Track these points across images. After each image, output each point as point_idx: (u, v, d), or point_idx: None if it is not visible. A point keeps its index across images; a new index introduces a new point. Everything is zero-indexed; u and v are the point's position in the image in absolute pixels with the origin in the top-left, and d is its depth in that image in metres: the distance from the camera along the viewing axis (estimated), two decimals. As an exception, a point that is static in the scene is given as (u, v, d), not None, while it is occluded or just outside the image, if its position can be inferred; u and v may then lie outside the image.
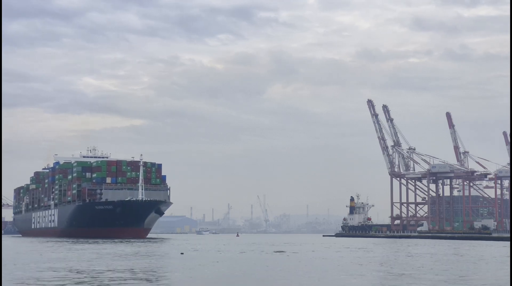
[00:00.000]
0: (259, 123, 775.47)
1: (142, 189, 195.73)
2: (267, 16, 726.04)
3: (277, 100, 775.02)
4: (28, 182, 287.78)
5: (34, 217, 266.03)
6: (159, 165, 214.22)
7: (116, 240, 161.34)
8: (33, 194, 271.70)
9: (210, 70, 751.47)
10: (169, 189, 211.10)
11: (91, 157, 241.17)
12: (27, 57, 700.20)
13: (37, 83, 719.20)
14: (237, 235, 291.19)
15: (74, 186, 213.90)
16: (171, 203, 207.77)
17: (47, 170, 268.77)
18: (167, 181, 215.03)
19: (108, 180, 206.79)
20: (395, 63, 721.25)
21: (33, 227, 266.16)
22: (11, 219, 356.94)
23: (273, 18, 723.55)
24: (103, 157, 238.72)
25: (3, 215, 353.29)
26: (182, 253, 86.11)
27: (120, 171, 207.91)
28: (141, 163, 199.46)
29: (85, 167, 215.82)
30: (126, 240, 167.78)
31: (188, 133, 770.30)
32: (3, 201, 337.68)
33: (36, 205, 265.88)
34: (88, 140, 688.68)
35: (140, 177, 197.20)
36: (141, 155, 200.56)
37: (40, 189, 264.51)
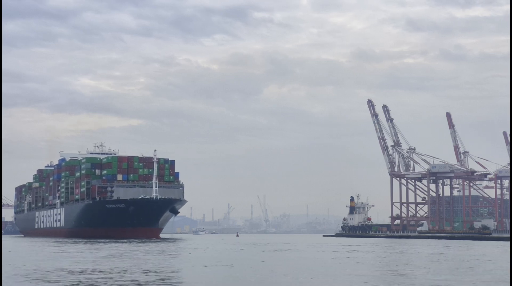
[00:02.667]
0: (257, 123, 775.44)
1: (156, 187, 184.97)
2: (262, 17, 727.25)
3: (274, 101, 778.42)
4: (31, 180, 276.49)
5: (37, 217, 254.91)
6: (172, 162, 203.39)
7: (134, 241, 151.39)
8: (37, 192, 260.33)
9: (206, 71, 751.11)
10: (183, 186, 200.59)
11: (98, 153, 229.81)
12: (23, 57, 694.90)
13: (34, 83, 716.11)
14: (237, 235, 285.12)
15: (82, 183, 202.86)
16: (186, 201, 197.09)
17: (52, 168, 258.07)
18: (180, 178, 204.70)
19: (119, 177, 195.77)
20: (390, 64, 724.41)
21: (36, 226, 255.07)
22: (11, 219, 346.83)
23: (268, 18, 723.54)
24: (111, 154, 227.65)
25: (2, 215, 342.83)
26: (189, 253, 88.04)
27: (132, 167, 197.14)
28: (155, 159, 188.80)
29: (94, 163, 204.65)
30: (143, 240, 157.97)
31: (186, 133, 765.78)
32: (3, 201, 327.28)
33: (40, 204, 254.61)
34: (87, 140, 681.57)
35: (154, 174, 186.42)
36: (155, 150, 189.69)
37: (44, 187, 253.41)
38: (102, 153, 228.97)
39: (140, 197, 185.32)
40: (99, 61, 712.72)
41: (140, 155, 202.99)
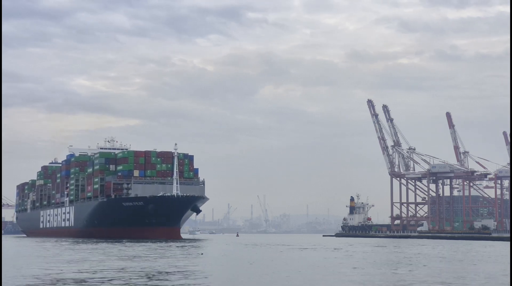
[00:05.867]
0: (255, 123, 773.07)
1: (177, 183, 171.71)
2: (256, 17, 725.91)
3: (270, 101, 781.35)
4: (32, 178, 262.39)
5: (42, 216, 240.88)
6: (191, 157, 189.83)
7: (159, 241, 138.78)
8: (41, 190, 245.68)
9: (202, 71, 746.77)
10: (203, 183, 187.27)
11: (109, 148, 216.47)
12: (19, 57, 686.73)
13: (30, 84, 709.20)
14: (237, 235, 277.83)
15: (95, 180, 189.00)
16: (208, 199, 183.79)
17: (57, 164, 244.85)
18: (199, 175, 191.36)
19: (136, 173, 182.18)
20: (385, 64, 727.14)
21: (41, 226, 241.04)
22: (11, 219, 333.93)
23: (262, 19, 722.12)
24: (122, 149, 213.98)
25: (2, 215, 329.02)
26: (201, 254, 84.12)
27: (149, 163, 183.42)
28: (176, 154, 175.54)
29: (108, 158, 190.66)
30: (167, 240, 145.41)
31: (184, 133, 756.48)
32: (3, 201, 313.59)
33: (45, 203, 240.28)
34: (86, 139, 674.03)
35: (175, 170, 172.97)
36: (176, 144, 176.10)
37: (49, 184, 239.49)
38: (113, 148, 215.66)
39: (159, 195, 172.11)
40: (95, 62, 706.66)
41: (153, 150, 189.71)
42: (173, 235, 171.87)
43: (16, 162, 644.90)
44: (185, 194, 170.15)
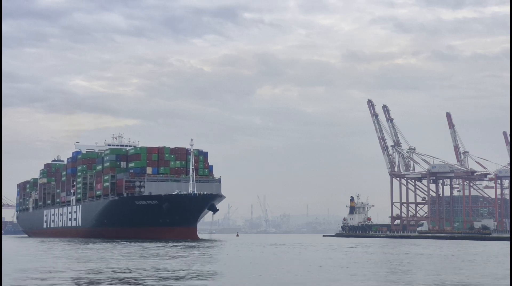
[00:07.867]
0: (253, 124, 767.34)
1: (193, 181, 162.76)
2: (252, 17, 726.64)
3: (268, 101, 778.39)
4: (35, 176, 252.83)
5: (46, 215, 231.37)
6: (206, 154, 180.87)
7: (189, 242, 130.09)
8: (45, 188, 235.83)
9: (199, 71, 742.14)
10: (219, 181, 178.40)
11: (117, 145, 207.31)
12: (16, 57, 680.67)
13: (27, 84, 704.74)
14: (237, 235, 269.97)
15: (106, 177, 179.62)
16: (224, 197, 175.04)
17: (60, 162, 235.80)
18: (214, 172, 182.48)
19: (149, 170, 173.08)
20: (381, 64, 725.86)
21: (45, 226, 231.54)
22: (11, 219, 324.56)
23: (258, 19, 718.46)
24: (131, 146, 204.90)
25: (2, 215, 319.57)
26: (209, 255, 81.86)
27: (163, 159, 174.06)
28: (192, 150, 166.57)
29: (119, 155, 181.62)
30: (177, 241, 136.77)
31: (183, 133, 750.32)
32: (3, 201, 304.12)
33: (49, 202, 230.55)
34: (85, 139, 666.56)
35: (191, 167, 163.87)
36: (192, 140, 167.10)
37: (53, 183, 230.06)
38: (121, 145, 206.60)
39: (175, 193, 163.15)
40: (91, 62, 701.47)
41: (166, 146, 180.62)
42: (189, 235, 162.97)
43: (14, 162, 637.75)
44: (202, 192, 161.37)
